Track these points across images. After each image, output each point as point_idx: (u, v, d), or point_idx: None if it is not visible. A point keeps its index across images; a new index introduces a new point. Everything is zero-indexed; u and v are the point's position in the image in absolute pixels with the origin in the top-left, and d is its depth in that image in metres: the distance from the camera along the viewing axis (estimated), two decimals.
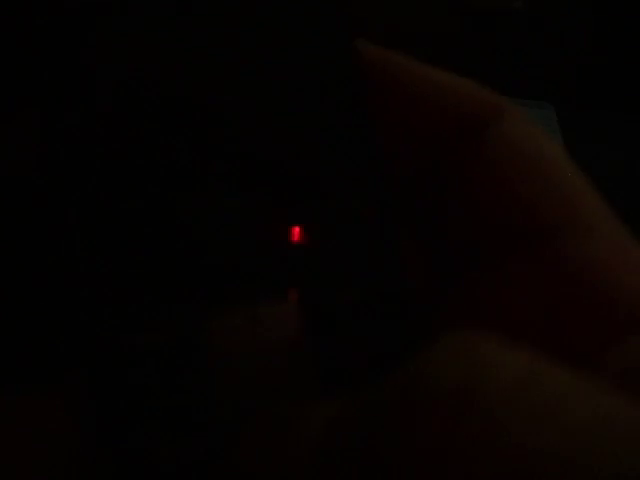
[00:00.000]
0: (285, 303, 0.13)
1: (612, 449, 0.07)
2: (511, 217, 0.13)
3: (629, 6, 0.56)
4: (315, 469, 0.09)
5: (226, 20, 0.14)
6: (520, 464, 0.07)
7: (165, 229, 0.13)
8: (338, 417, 0.10)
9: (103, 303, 0.12)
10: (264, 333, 0.13)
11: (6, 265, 0.12)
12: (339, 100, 0.14)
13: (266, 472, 0.10)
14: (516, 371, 0.08)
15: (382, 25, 0.53)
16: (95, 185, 0.13)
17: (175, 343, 0.12)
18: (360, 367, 0.13)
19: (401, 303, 0.13)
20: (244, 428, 0.12)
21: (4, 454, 0.11)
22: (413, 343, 0.13)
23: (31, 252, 0.12)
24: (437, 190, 0.14)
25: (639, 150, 0.49)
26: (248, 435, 0.11)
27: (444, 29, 0.54)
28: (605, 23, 0.56)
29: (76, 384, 0.12)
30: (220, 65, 0.14)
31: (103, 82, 0.13)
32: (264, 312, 0.13)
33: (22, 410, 0.11)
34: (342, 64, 0.14)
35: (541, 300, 0.12)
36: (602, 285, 0.11)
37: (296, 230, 0.14)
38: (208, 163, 0.13)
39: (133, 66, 0.13)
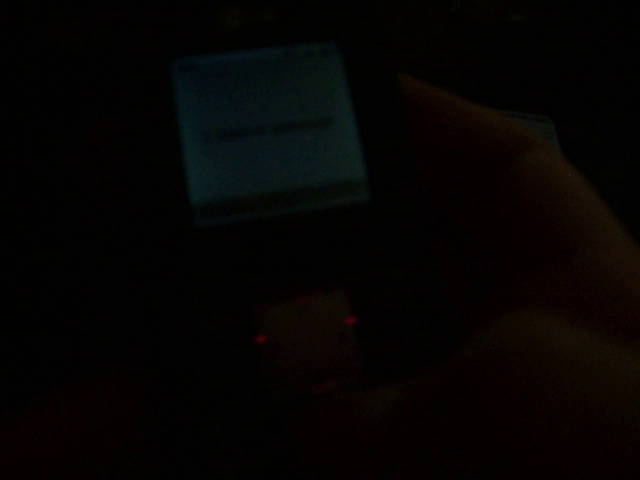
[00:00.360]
0: (334, 297, 0.14)
1: None
2: (536, 235, 0.14)
3: (629, 21, 0.56)
4: (382, 448, 0.10)
5: None
6: (574, 414, 0.09)
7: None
8: (404, 400, 0.11)
9: (175, 295, 0.14)
10: (313, 324, 0.14)
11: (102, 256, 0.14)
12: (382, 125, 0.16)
13: (328, 453, 0.11)
14: (573, 339, 0.10)
15: None
16: None
17: (230, 330, 0.14)
18: (402, 360, 0.14)
19: (440, 303, 0.15)
20: (299, 412, 0.13)
21: (78, 425, 0.12)
22: (449, 340, 0.14)
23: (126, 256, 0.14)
24: (470, 210, 0.15)
25: (638, 165, 0.49)
26: (307, 420, 0.12)
27: (443, 42, 0.54)
28: (605, 37, 0.56)
29: (149, 376, 0.13)
30: None
31: None
32: (315, 304, 0.14)
33: (100, 390, 0.13)
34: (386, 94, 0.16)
35: (568, 304, 0.13)
36: (621, 288, 0.13)
37: None
38: None
39: None
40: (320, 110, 0.16)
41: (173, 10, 0.16)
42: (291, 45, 0.16)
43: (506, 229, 0.15)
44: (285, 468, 0.13)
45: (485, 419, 0.09)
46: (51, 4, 0.49)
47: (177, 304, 0.14)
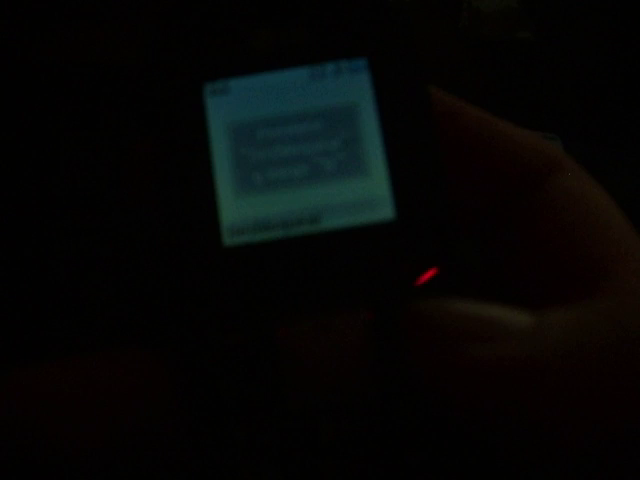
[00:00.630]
0: (355, 316, 0.15)
1: None
2: (568, 257, 0.14)
3: (637, 38, 0.56)
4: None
5: None
6: None
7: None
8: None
9: (208, 305, 0.15)
10: (334, 340, 0.15)
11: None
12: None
13: None
14: None
15: None
16: None
17: (252, 344, 0.15)
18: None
19: None
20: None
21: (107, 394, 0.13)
22: None
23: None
24: (501, 229, 0.15)
25: None
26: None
27: (449, 59, 0.54)
28: (613, 54, 0.56)
29: (179, 356, 0.14)
30: None
31: None
32: (337, 322, 0.15)
33: (127, 363, 0.13)
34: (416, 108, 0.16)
35: (602, 328, 0.13)
36: None
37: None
38: None
39: None
40: (349, 128, 0.16)
41: (204, 33, 0.16)
42: (319, 63, 0.17)
43: (538, 253, 0.15)
44: (306, 471, 0.14)
45: None
46: (92, 20, 0.49)
47: (203, 318, 0.15)
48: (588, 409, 0.11)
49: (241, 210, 0.16)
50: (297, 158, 0.16)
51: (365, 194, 0.16)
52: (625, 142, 0.51)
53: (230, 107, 0.16)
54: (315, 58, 0.17)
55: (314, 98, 0.16)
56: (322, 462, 0.14)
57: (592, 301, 0.12)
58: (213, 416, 0.14)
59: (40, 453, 0.12)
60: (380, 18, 0.17)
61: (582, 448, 0.11)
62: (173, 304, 0.15)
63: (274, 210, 0.16)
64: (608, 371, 0.12)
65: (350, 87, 0.16)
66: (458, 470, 0.14)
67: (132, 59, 0.48)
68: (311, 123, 0.16)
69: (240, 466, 0.14)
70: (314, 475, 0.14)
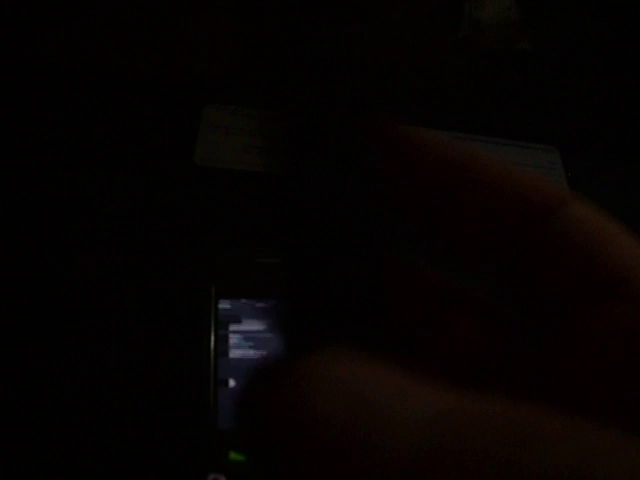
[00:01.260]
0: None
1: None
2: (595, 269, 0.15)
3: (636, 50, 0.55)
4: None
5: None
6: None
7: None
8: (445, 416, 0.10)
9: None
10: None
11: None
12: None
13: None
14: None
15: (387, 66, 0.52)
16: None
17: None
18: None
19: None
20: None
21: None
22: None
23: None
24: (509, 264, 0.16)
25: None
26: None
27: (448, 70, 0.54)
28: (612, 66, 0.55)
29: None
30: None
31: None
32: None
33: None
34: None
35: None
36: None
37: None
38: None
39: None
40: None
41: None
42: None
43: (564, 269, 0.15)
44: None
45: None
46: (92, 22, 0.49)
47: None
48: None
49: None
50: None
51: None
52: (623, 155, 0.51)
53: None
54: None
55: None
56: None
57: None
58: None
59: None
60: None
61: None
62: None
63: None
64: None
65: None
66: None
67: (130, 63, 0.48)
68: None
69: None
70: None
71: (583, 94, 0.54)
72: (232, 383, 0.34)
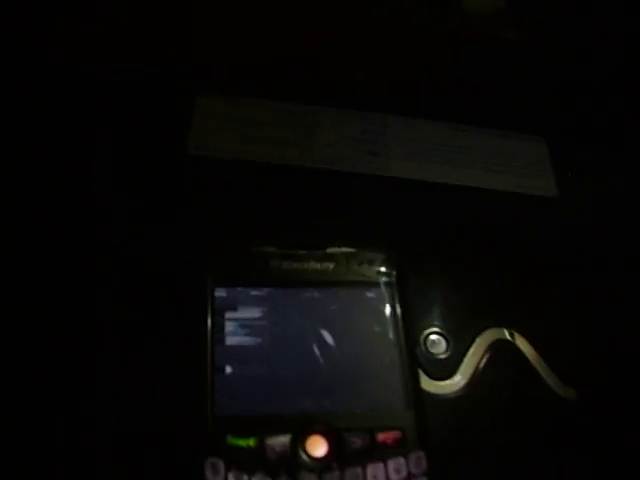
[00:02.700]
0: None
1: None
2: None
3: (626, 39, 0.56)
4: None
5: None
6: None
7: None
8: None
9: None
10: None
11: None
12: None
13: None
14: None
15: (372, 55, 0.52)
16: None
17: None
18: None
19: None
20: None
21: None
22: None
23: None
24: None
25: (630, 184, 0.49)
26: None
27: (436, 59, 0.54)
28: (600, 55, 0.56)
29: None
30: None
31: None
32: None
33: None
34: None
35: None
36: None
37: None
38: None
39: None
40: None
41: None
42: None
43: None
44: None
45: None
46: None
47: None
48: None
49: None
50: None
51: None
52: (609, 144, 0.52)
53: None
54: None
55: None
56: None
57: None
58: None
59: None
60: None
61: None
62: None
63: None
64: None
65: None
66: None
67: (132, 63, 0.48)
68: None
69: None
70: None
71: (571, 84, 0.54)
72: (229, 370, 0.34)
